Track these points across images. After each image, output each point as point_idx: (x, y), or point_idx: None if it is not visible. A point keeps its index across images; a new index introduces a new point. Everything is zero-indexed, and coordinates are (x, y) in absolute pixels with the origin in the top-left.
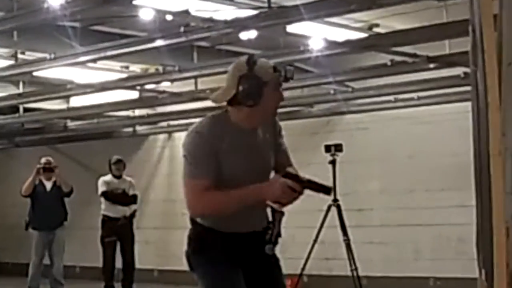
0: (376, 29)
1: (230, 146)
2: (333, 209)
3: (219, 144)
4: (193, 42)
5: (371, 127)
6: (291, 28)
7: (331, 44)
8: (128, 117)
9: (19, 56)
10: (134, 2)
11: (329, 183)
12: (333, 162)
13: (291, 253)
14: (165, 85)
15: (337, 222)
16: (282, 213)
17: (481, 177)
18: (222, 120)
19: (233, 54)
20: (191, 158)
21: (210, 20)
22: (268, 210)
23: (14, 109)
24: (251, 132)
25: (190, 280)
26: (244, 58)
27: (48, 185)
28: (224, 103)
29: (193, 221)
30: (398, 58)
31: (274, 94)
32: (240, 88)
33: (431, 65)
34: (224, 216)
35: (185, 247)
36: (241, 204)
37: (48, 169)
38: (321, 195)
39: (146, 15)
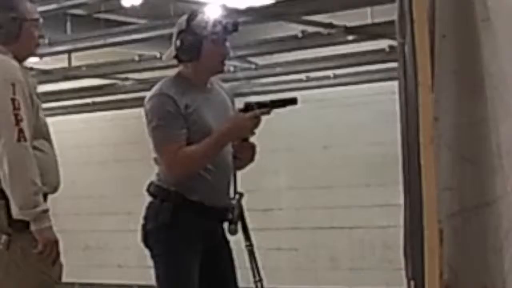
0: None
1: (192, 101)
2: None
3: (183, 100)
4: (66, 9)
5: (278, 111)
6: None
7: (231, 12)
8: None
9: None
10: None
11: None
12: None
13: None
14: (33, 61)
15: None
16: (242, 194)
17: (410, 170)
18: (180, 78)
19: (113, 24)
20: (160, 121)
21: None
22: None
23: None
24: (207, 88)
25: None
26: (186, 15)
27: None
28: (173, 61)
29: (164, 192)
30: (310, 29)
31: (216, 48)
32: (178, 44)
33: (350, 37)
34: (206, 187)
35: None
36: (217, 150)
37: None
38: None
39: None
